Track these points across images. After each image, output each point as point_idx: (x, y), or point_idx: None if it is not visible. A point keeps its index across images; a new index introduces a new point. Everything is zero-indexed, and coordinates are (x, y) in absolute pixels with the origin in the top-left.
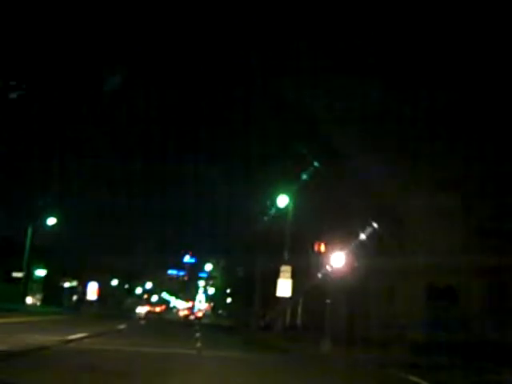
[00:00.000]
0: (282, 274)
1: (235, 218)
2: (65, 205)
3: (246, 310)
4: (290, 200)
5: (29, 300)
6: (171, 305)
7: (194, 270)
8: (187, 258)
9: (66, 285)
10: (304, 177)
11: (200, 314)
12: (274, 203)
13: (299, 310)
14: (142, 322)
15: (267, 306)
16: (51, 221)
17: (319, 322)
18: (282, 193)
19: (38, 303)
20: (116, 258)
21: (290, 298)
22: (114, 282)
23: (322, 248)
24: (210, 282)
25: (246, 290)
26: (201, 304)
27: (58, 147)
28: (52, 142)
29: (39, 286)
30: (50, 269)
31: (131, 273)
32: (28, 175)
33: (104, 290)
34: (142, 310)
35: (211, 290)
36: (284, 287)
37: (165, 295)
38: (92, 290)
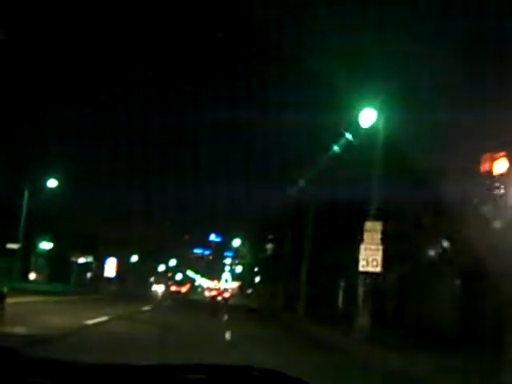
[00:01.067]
0: (366, 237)
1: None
2: (68, 168)
3: (280, 290)
4: (380, 115)
5: (33, 276)
6: (196, 283)
7: (220, 249)
8: (213, 237)
9: (81, 260)
10: None
11: (227, 295)
12: (349, 127)
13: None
14: (147, 308)
15: (320, 285)
16: (52, 183)
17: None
18: (366, 107)
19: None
20: (135, 233)
21: (377, 275)
22: (134, 258)
23: (502, 165)
24: (236, 261)
25: (289, 264)
26: (227, 284)
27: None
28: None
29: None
30: (57, 241)
31: (153, 249)
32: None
33: (123, 266)
34: (158, 288)
35: (238, 268)
36: (369, 258)
37: (189, 273)
38: (110, 267)
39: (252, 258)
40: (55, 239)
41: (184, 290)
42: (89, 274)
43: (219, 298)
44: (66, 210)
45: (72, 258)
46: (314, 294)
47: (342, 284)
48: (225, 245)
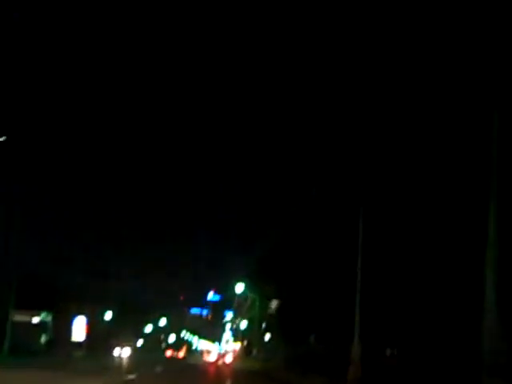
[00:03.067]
0: None
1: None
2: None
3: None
4: None
5: None
6: (194, 346)
7: (219, 309)
8: (211, 296)
9: (35, 320)
10: None
11: (229, 359)
12: None
13: None
14: None
15: None
16: None
17: None
18: None
19: None
20: (111, 288)
21: None
22: (108, 316)
23: None
24: (237, 321)
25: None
26: (228, 345)
27: None
28: None
29: None
30: None
31: (139, 306)
32: None
33: (93, 325)
34: (123, 352)
35: (243, 324)
36: None
37: (185, 335)
38: (79, 328)
39: (259, 310)
40: None
41: (182, 354)
42: (43, 338)
43: (220, 362)
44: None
45: (15, 317)
46: None
47: None
48: (224, 304)
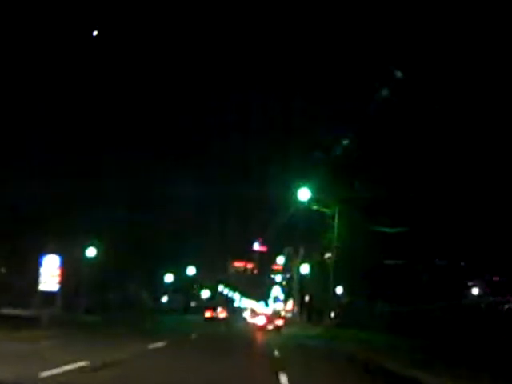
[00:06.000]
0: None
1: None
2: None
3: None
4: None
5: None
6: (235, 304)
7: (265, 263)
8: (257, 246)
9: None
10: None
11: (280, 322)
12: None
13: None
14: None
15: None
16: None
17: None
18: None
19: None
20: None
21: None
22: (92, 252)
23: None
24: (293, 269)
25: None
26: (277, 304)
27: None
28: None
29: None
30: None
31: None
32: None
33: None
34: None
35: (305, 268)
36: None
37: (223, 290)
38: (48, 272)
39: (338, 237)
40: None
41: (223, 315)
42: None
43: (270, 327)
44: None
45: None
46: None
47: None
48: (271, 257)
